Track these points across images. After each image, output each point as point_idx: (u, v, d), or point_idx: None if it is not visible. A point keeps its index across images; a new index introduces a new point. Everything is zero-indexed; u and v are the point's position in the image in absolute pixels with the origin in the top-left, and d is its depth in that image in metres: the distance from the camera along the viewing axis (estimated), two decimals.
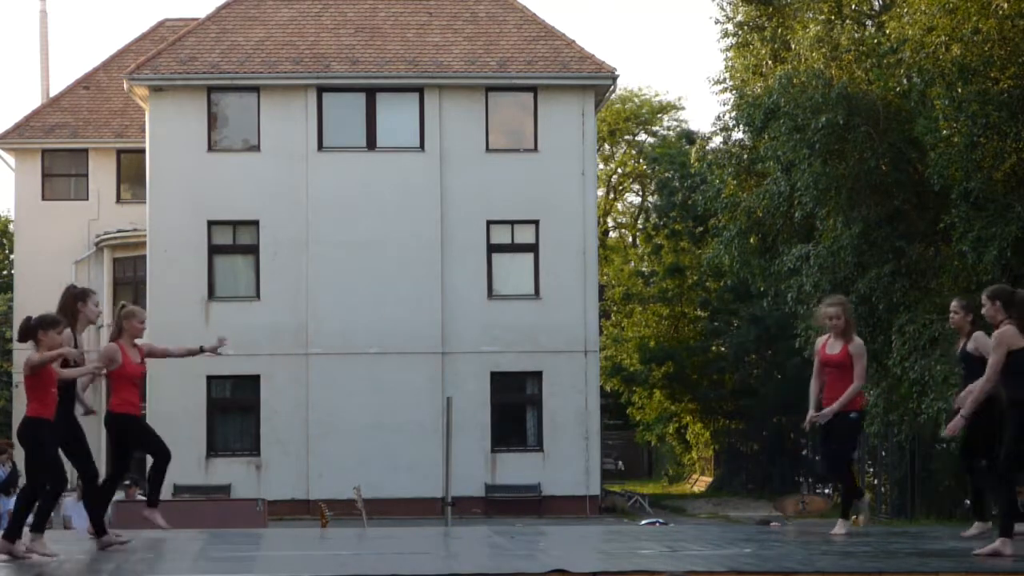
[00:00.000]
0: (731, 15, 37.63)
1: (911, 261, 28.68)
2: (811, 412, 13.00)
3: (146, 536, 12.89)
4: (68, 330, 11.09)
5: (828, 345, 12.93)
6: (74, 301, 11.75)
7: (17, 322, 12.04)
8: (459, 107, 36.38)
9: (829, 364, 12.87)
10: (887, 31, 29.90)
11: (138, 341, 12.57)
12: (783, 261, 31.07)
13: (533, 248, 36.40)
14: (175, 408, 34.97)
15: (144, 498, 13.23)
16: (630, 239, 65.31)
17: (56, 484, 10.70)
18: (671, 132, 63.60)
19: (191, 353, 13.22)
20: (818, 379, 12.99)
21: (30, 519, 10.83)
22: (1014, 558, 10.44)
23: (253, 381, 35.88)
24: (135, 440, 12.52)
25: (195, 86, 36.23)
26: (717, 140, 36.93)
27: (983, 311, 11.23)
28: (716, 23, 38.12)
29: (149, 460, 12.71)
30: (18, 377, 37.64)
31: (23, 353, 11.58)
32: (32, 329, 10.78)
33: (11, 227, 52.94)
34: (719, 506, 41.24)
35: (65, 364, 11.09)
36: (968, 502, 31.50)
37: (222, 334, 13.56)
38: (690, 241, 49.13)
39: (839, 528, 12.99)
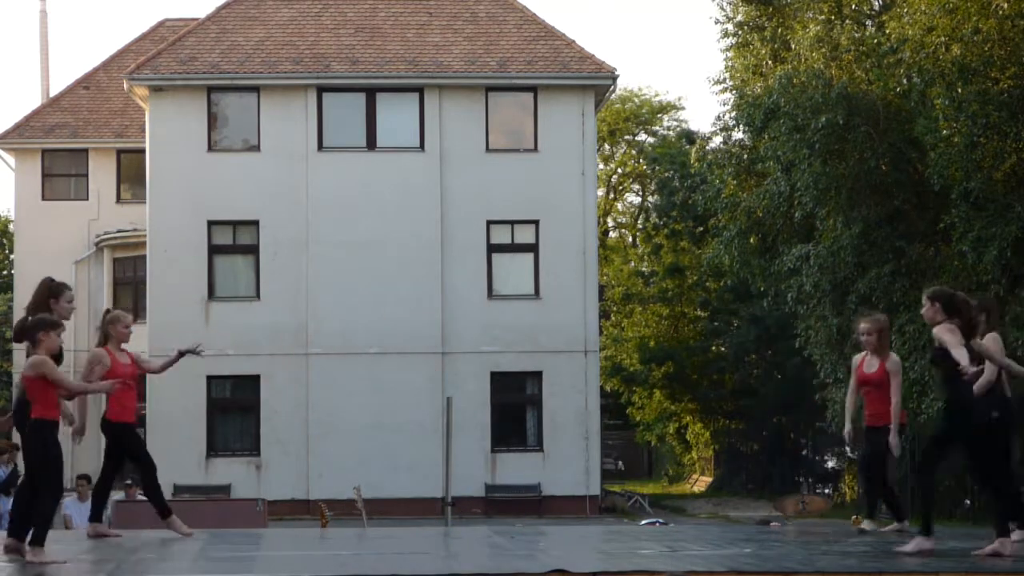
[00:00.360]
0: (731, 15, 37.62)
1: (911, 261, 28.67)
2: (847, 427, 13.18)
3: (146, 536, 12.89)
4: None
5: (866, 363, 12.99)
6: (48, 296, 11.52)
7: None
8: (459, 107, 36.37)
9: (868, 383, 12.93)
10: (887, 31, 29.89)
11: (126, 347, 12.59)
12: (783, 261, 31.07)
13: (533, 248, 36.39)
14: (175, 408, 35.02)
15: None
16: (630, 239, 65.29)
17: (55, 490, 10.61)
18: (671, 132, 63.59)
19: (172, 363, 13.13)
20: (854, 395, 13.10)
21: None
22: (1013, 558, 10.45)
23: (253, 381, 35.87)
24: (129, 448, 12.66)
25: (195, 86, 36.22)
26: (717, 140, 36.96)
27: (922, 311, 11.29)
28: (716, 23, 38.15)
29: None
30: (15, 376, 37.60)
31: (22, 352, 11.43)
32: (31, 331, 10.58)
33: (11, 227, 52.94)
34: (719, 506, 41.24)
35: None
36: (968, 502, 31.57)
37: (201, 345, 13.58)
38: (690, 241, 49.14)
39: (866, 525, 13.19)
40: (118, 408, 12.48)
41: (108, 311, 12.78)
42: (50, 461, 10.51)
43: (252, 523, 18.61)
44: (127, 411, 12.53)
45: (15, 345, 39.79)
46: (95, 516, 12.98)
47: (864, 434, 13.10)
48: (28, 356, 10.67)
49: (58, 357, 10.81)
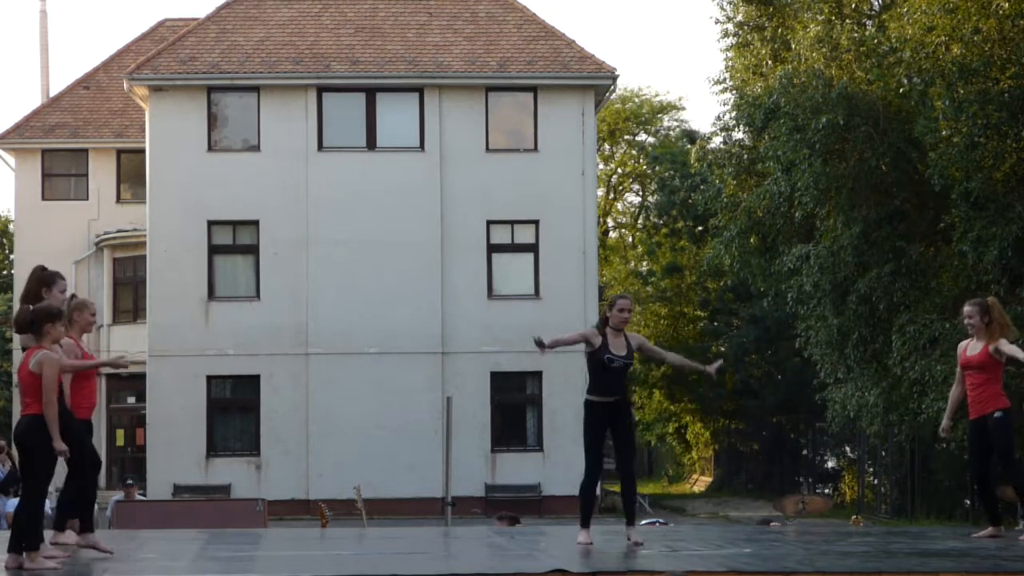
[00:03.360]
0: (731, 15, 37.59)
1: (911, 261, 28.67)
2: (945, 421, 12.57)
3: (146, 536, 12.88)
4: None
5: (969, 347, 12.38)
6: (39, 286, 10.85)
7: None
8: (459, 107, 36.38)
9: (969, 366, 12.29)
10: (887, 31, 29.87)
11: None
12: (783, 261, 31.06)
13: (533, 248, 36.40)
14: (175, 408, 35.02)
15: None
16: (630, 239, 65.29)
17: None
18: (671, 132, 63.60)
19: (87, 367, 11.55)
20: (960, 385, 12.46)
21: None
22: None
23: (253, 381, 35.88)
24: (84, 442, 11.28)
25: (195, 86, 36.23)
26: (717, 140, 36.93)
27: None
28: (716, 23, 38.11)
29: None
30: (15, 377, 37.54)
31: (21, 352, 11.03)
32: (37, 321, 10.22)
33: (11, 227, 52.92)
34: (719, 506, 41.24)
35: None
36: (968, 502, 31.58)
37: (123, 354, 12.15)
38: (690, 240, 49.15)
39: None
40: (79, 401, 11.29)
41: (73, 296, 11.77)
42: (49, 461, 10.44)
43: (252, 523, 18.62)
44: (83, 410, 11.39)
45: (15, 344, 39.91)
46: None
47: (969, 428, 12.39)
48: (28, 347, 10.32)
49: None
